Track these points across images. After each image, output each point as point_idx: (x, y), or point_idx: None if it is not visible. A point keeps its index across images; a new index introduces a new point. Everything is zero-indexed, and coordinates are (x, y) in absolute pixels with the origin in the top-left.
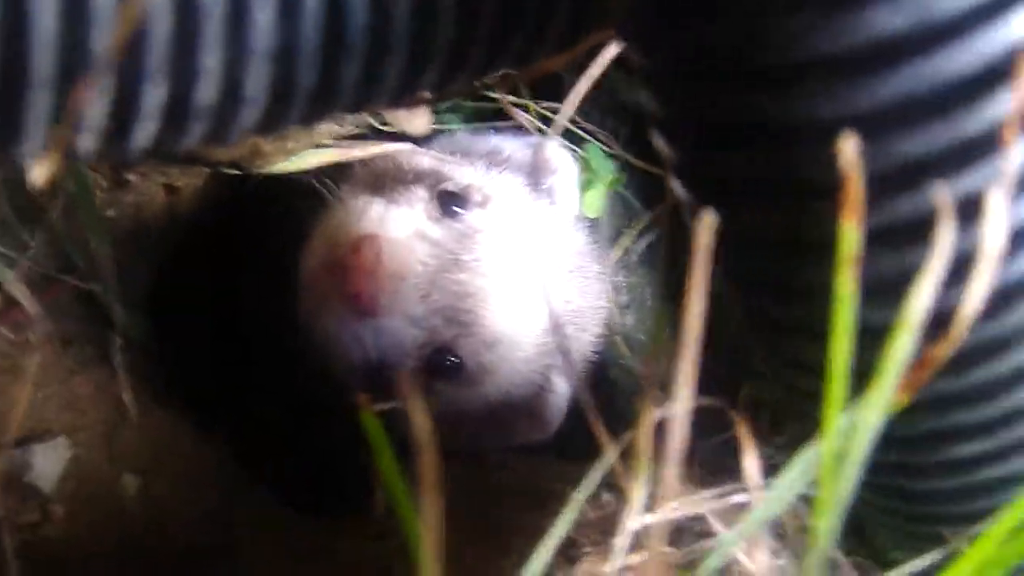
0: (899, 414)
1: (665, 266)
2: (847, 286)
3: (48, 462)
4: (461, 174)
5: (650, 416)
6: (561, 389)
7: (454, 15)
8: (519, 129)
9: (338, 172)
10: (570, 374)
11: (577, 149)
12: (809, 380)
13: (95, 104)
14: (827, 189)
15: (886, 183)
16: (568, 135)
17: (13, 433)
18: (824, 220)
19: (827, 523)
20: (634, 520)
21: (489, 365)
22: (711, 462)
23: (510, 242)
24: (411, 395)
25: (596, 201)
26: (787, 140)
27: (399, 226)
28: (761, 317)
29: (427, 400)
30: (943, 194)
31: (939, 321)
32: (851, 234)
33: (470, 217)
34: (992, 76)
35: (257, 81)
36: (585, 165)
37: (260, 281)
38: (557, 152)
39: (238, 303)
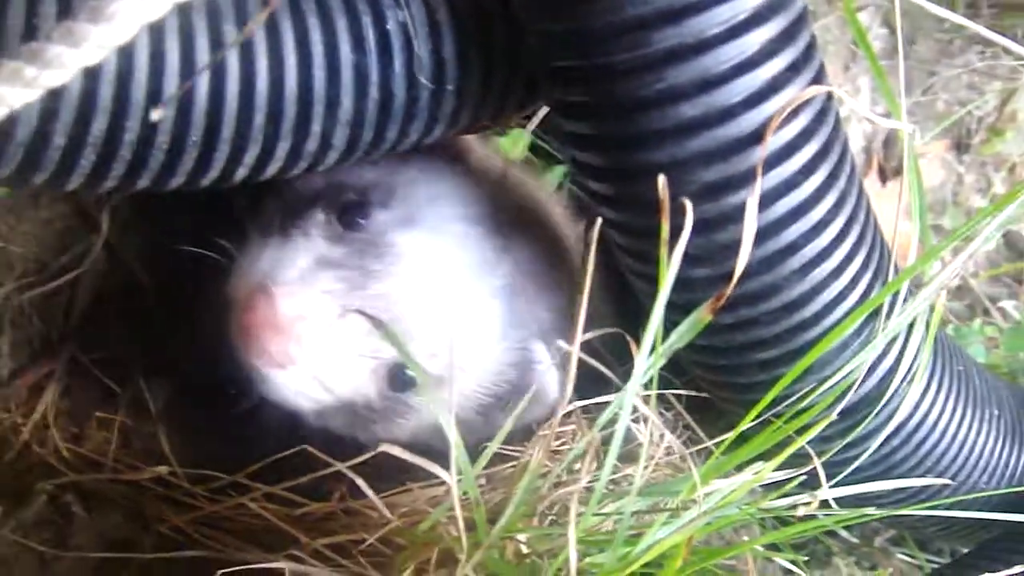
0: (723, 331)
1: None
2: (664, 251)
3: None
4: (355, 177)
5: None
6: (546, 359)
7: (453, 97)
8: None
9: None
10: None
11: None
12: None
13: (250, 152)
14: None
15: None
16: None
17: None
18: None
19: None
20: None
21: (448, 362)
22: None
23: (424, 225)
24: None
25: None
26: None
27: (290, 265)
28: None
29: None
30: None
31: (729, 275)
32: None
33: (372, 222)
34: None
35: (340, 138)
36: None
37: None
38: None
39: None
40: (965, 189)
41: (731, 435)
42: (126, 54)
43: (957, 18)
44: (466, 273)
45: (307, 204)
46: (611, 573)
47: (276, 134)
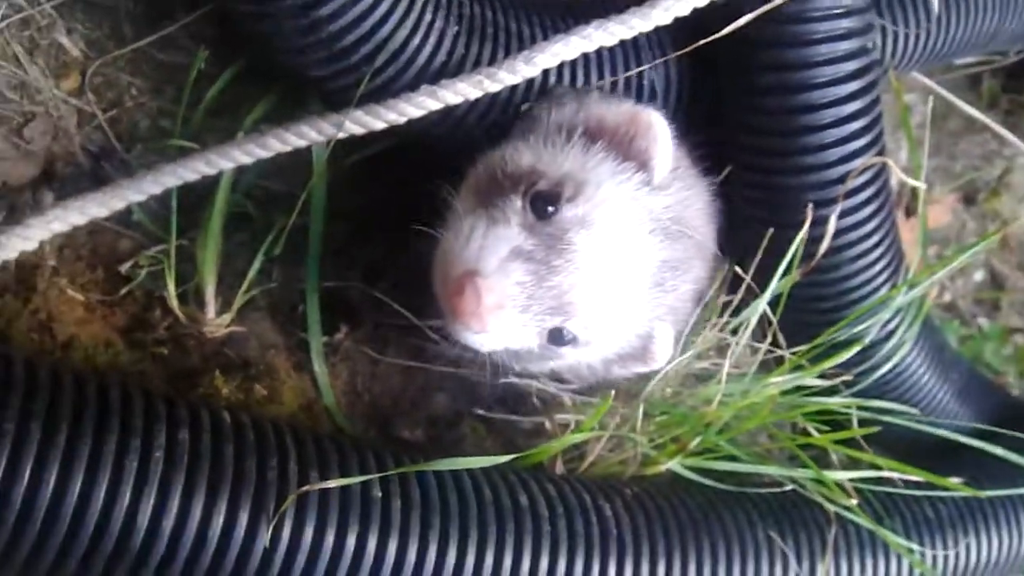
0: (802, 287)
1: None
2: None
3: None
4: (554, 166)
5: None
6: (665, 334)
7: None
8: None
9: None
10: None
11: None
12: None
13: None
14: None
15: None
16: None
17: None
18: None
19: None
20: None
21: (599, 334)
22: None
23: (600, 227)
24: None
25: None
26: None
27: (495, 255)
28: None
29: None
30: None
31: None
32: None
33: (560, 216)
34: None
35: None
36: None
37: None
38: (654, 119)
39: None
40: (967, 232)
41: (800, 350)
42: None
43: (970, 110)
44: (625, 270)
45: (509, 186)
46: (735, 406)
47: None
